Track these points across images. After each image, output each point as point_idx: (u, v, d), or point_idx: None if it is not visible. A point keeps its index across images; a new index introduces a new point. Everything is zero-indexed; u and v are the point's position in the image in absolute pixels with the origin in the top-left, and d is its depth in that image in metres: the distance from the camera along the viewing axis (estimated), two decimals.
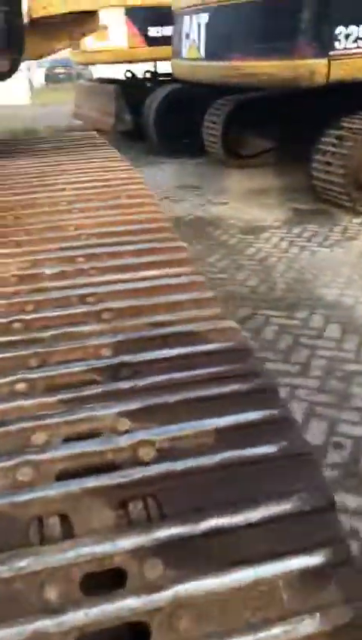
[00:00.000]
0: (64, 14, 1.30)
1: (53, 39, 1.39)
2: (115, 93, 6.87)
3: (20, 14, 1.23)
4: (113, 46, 7.09)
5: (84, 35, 1.45)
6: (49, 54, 1.43)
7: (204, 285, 1.14)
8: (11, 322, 1.01)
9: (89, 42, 7.33)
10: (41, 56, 1.40)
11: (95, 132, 2.66)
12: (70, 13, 1.32)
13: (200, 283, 1.15)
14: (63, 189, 1.64)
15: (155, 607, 0.63)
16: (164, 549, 0.67)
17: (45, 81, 26.27)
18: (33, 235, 1.35)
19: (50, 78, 26.01)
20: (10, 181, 1.77)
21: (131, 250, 1.27)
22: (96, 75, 9.54)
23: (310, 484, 0.73)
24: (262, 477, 0.74)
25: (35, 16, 1.21)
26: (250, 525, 0.69)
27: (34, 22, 1.24)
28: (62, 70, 25.32)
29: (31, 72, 27.10)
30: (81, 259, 1.23)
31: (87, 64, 8.46)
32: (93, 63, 8.05)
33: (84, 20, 1.40)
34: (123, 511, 0.71)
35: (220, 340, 0.98)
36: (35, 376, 0.88)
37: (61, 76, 25.31)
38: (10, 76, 1.25)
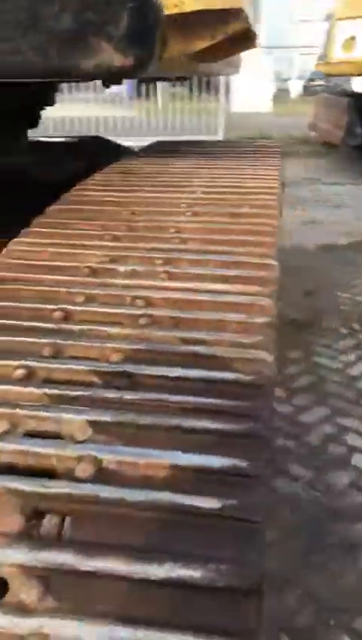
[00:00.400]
0: (201, 12, 1.27)
1: (191, 38, 1.35)
2: (347, 107, 6.63)
3: (152, 10, 1.23)
4: (359, 57, 6.82)
5: (227, 34, 1.39)
6: (189, 54, 1.40)
7: (265, 309, 1.03)
8: (54, 310, 1.03)
9: (336, 53, 7.18)
10: (178, 55, 1.37)
11: (279, 143, 2.59)
12: (208, 10, 1.28)
13: (261, 306, 1.04)
14: (194, 192, 1.62)
15: (16, 633, 0.59)
16: (52, 575, 0.62)
17: (304, 92, 26.62)
18: (134, 231, 1.36)
19: (308, 89, 26.22)
20: (156, 178, 1.80)
21: (216, 261, 1.20)
22: (356, 89, 9.31)
23: (239, 557, 0.61)
24: (190, 532, 0.64)
25: (166, 12, 1.19)
26: (146, 581, 0.60)
27: (169, 19, 1.23)
28: (320, 82, 25.31)
29: (290, 84, 27.64)
30: (160, 261, 1.20)
31: (331, 75, 8.29)
32: (337, 75, 7.86)
33: (226, 19, 1.34)
34: (37, 522, 0.68)
35: (243, 370, 0.88)
36: (38, 365, 0.88)
37: (318, 88, 25.30)
38: (136, 73, 1.26)
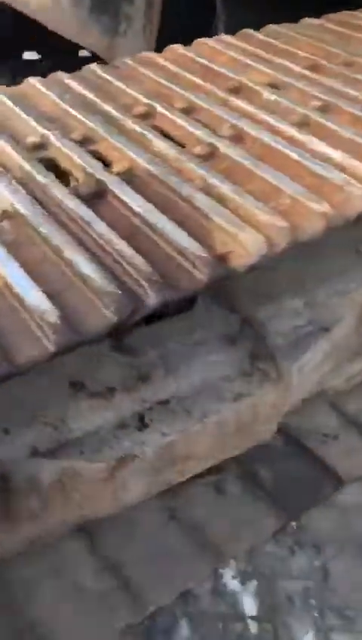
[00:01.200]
0: None
1: None
2: None
3: None
4: None
5: None
6: None
7: (346, 200, 0.71)
8: (140, 105, 0.88)
9: None
10: None
11: None
12: None
13: (347, 194, 0.71)
14: None
15: None
16: None
17: None
18: (346, 67, 1.02)
19: None
20: None
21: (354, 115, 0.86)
22: None
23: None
24: None
25: None
26: None
27: None
28: None
29: None
30: (317, 103, 0.90)
31: None
32: None
33: None
34: None
35: (210, 246, 0.64)
36: (49, 138, 0.80)
37: None
38: None
